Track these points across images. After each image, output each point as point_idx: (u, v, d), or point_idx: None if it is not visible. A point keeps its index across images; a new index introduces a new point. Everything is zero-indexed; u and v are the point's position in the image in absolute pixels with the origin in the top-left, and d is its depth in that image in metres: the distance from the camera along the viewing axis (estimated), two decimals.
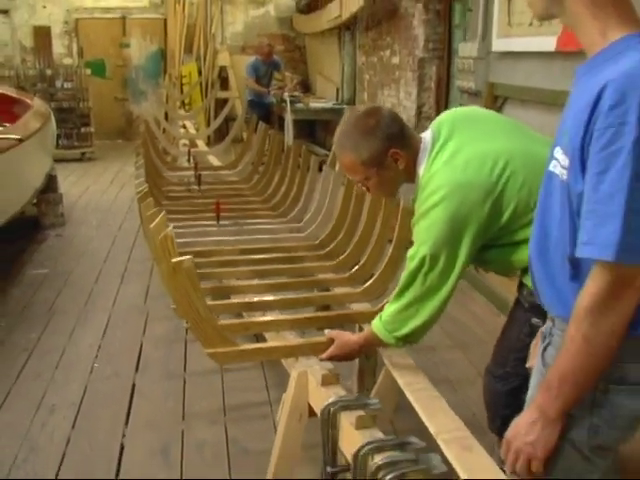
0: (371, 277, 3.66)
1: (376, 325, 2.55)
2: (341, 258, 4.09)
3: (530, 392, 1.80)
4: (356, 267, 3.85)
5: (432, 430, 2.08)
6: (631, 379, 1.57)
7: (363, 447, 1.86)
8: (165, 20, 13.59)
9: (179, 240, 3.61)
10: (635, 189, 1.37)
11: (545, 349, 1.72)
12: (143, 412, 3.61)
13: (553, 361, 1.62)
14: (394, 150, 2.37)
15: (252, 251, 4.35)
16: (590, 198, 1.42)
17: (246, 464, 3.14)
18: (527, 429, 1.60)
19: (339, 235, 4.33)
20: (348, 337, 2.73)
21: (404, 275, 2.44)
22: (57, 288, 5.46)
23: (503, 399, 2.61)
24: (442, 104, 7.29)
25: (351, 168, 2.47)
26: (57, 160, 8.00)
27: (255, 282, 3.82)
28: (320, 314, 3.42)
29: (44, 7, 13.41)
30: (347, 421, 2.06)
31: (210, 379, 3.95)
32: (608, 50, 1.49)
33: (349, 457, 1.96)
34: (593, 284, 1.46)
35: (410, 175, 2.47)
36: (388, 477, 1.72)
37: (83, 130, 11.69)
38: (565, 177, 1.53)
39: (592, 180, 1.41)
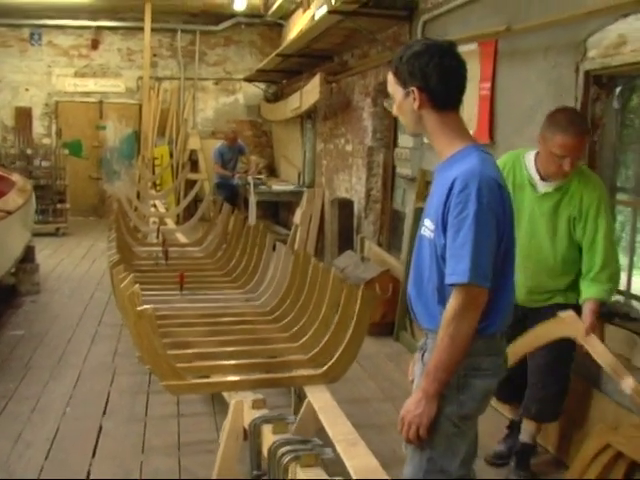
0: (307, 334, 4.29)
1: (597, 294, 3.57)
2: (285, 321, 4.70)
3: (414, 387, 2.51)
4: (296, 327, 4.47)
5: (330, 434, 2.73)
6: (483, 367, 2.34)
7: (275, 442, 2.50)
8: (140, 105, 14.42)
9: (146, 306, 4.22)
10: (477, 240, 2.18)
11: (423, 355, 2.46)
12: (108, 447, 4.19)
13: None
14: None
15: (210, 315, 4.96)
16: (451, 247, 2.23)
17: None
18: (415, 406, 2.30)
19: (286, 303, 4.95)
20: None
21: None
22: (33, 347, 6.02)
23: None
24: (389, 188, 8.08)
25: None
26: (33, 234, 8.59)
27: (210, 339, 4.42)
28: (261, 360, 4.02)
29: (27, 90, 14.23)
30: (267, 429, 2.70)
31: (168, 422, 4.55)
32: (456, 155, 2.34)
33: (266, 453, 2.59)
34: (454, 301, 2.22)
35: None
36: (287, 458, 2.35)
37: (59, 206, 12.31)
38: (432, 236, 2.33)
39: (451, 236, 2.23)
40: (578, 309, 3.69)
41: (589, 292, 3.60)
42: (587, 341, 3.55)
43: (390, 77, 2.41)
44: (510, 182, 3.65)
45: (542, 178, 3.67)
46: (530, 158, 3.74)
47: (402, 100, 2.36)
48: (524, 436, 4.04)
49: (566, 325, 3.62)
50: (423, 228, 2.41)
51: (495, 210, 2.23)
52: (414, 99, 2.31)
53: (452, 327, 2.21)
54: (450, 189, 2.23)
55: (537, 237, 3.71)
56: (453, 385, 2.31)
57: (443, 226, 2.27)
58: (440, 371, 2.25)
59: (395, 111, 2.46)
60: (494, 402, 4.68)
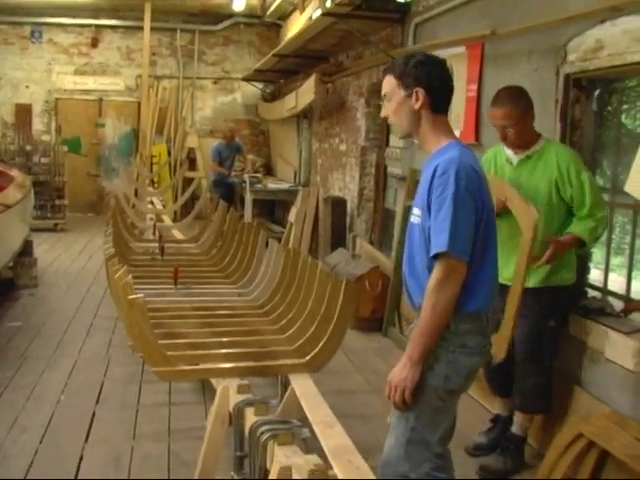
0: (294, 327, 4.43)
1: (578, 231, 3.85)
2: (275, 315, 4.83)
3: None
4: (284, 320, 4.60)
5: (310, 418, 2.87)
6: (469, 346, 2.58)
7: (256, 422, 2.64)
8: (139, 103, 14.57)
9: (138, 295, 4.34)
10: (455, 217, 2.44)
11: None
12: (100, 433, 4.34)
13: None
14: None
15: (202, 308, 5.08)
16: (433, 224, 2.50)
17: (182, 471, 3.88)
18: (401, 371, 2.55)
19: (276, 297, 5.09)
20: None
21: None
22: (29, 338, 6.18)
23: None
24: (381, 187, 8.23)
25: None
26: (31, 230, 8.72)
27: (201, 330, 4.55)
28: (249, 350, 4.13)
29: (27, 87, 14.39)
30: (249, 412, 2.84)
31: (159, 410, 4.70)
32: (441, 150, 2.63)
33: (248, 434, 2.73)
34: (435, 272, 2.48)
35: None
36: (265, 437, 2.49)
37: (57, 202, 12.48)
38: (420, 221, 2.61)
39: (434, 215, 2.50)
40: (565, 292, 3.99)
41: (572, 228, 3.89)
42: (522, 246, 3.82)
43: (390, 80, 2.69)
44: (493, 168, 4.16)
45: (515, 153, 4.06)
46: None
47: (402, 101, 2.65)
48: (514, 427, 4.18)
49: (530, 219, 3.78)
50: (413, 216, 2.70)
51: (473, 193, 2.50)
52: (416, 99, 2.61)
53: (434, 296, 2.46)
54: (432, 176, 2.52)
55: None
56: (442, 360, 2.55)
57: (429, 209, 2.54)
58: (424, 336, 2.49)
59: (390, 112, 2.71)
60: (477, 395, 4.83)
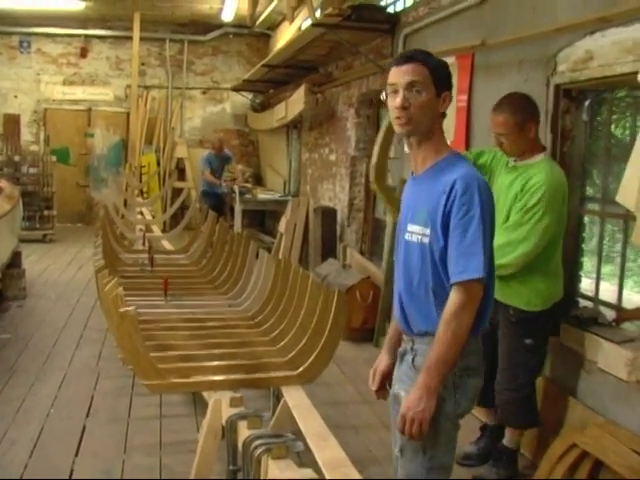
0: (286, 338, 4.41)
1: None
2: (266, 326, 4.81)
3: (398, 391, 2.60)
4: (276, 332, 4.58)
5: (303, 430, 2.85)
6: (472, 367, 2.49)
7: (249, 436, 2.62)
8: (128, 113, 14.57)
9: (128, 307, 4.31)
10: (485, 238, 2.33)
11: (413, 360, 2.54)
12: (91, 446, 4.30)
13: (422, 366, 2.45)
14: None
15: (193, 320, 5.06)
16: (458, 246, 2.34)
17: None
18: (417, 403, 2.36)
19: (267, 308, 5.07)
20: None
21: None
22: (18, 350, 6.13)
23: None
24: (371, 197, 8.23)
25: None
26: (20, 240, 8.73)
27: (192, 342, 4.53)
28: (240, 362, 4.11)
29: (15, 97, 14.37)
30: (242, 425, 2.82)
31: (150, 423, 4.66)
32: (441, 162, 2.48)
33: (241, 448, 2.71)
34: (455, 298, 2.34)
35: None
36: (259, 451, 2.47)
37: (46, 213, 12.43)
38: (426, 240, 2.43)
39: (458, 236, 2.34)
40: (541, 315, 3.91)
41: None
42: None
43: (422, 70, 2.43)
44: (496, 165, 4.11)
45: (514, 160, 3.96)
46: None
47: (431, 98, 2.44)
48: (505, 440, 4.16)
49: None
50: (407, 234, 2.53)
51: (490, 211, 2.41)
52: (443, 102, 2.49)
53: (455, 323, 2.32)
54: (449, 192, 2.37)
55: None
56: (450, 386, 2.44)
57: (443, 229, 2.39)
58: (442, 364, 2.35)
59: (418, 104, 2.42)
60: None
